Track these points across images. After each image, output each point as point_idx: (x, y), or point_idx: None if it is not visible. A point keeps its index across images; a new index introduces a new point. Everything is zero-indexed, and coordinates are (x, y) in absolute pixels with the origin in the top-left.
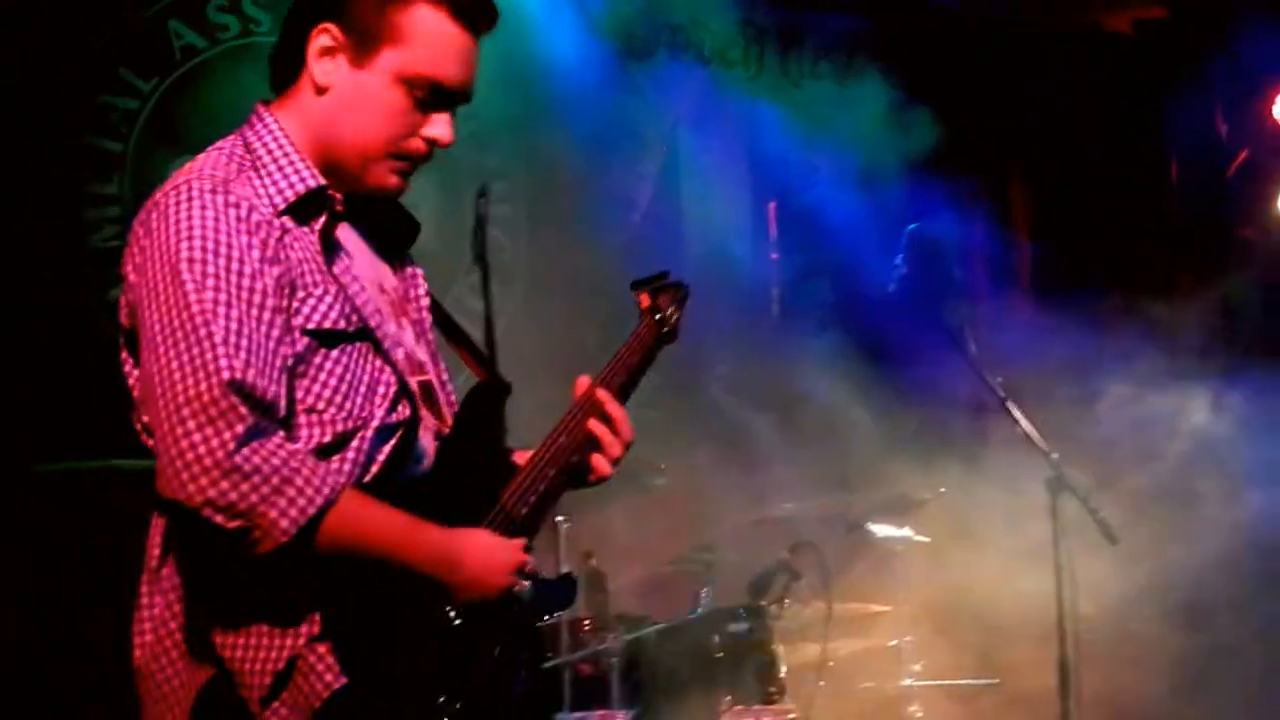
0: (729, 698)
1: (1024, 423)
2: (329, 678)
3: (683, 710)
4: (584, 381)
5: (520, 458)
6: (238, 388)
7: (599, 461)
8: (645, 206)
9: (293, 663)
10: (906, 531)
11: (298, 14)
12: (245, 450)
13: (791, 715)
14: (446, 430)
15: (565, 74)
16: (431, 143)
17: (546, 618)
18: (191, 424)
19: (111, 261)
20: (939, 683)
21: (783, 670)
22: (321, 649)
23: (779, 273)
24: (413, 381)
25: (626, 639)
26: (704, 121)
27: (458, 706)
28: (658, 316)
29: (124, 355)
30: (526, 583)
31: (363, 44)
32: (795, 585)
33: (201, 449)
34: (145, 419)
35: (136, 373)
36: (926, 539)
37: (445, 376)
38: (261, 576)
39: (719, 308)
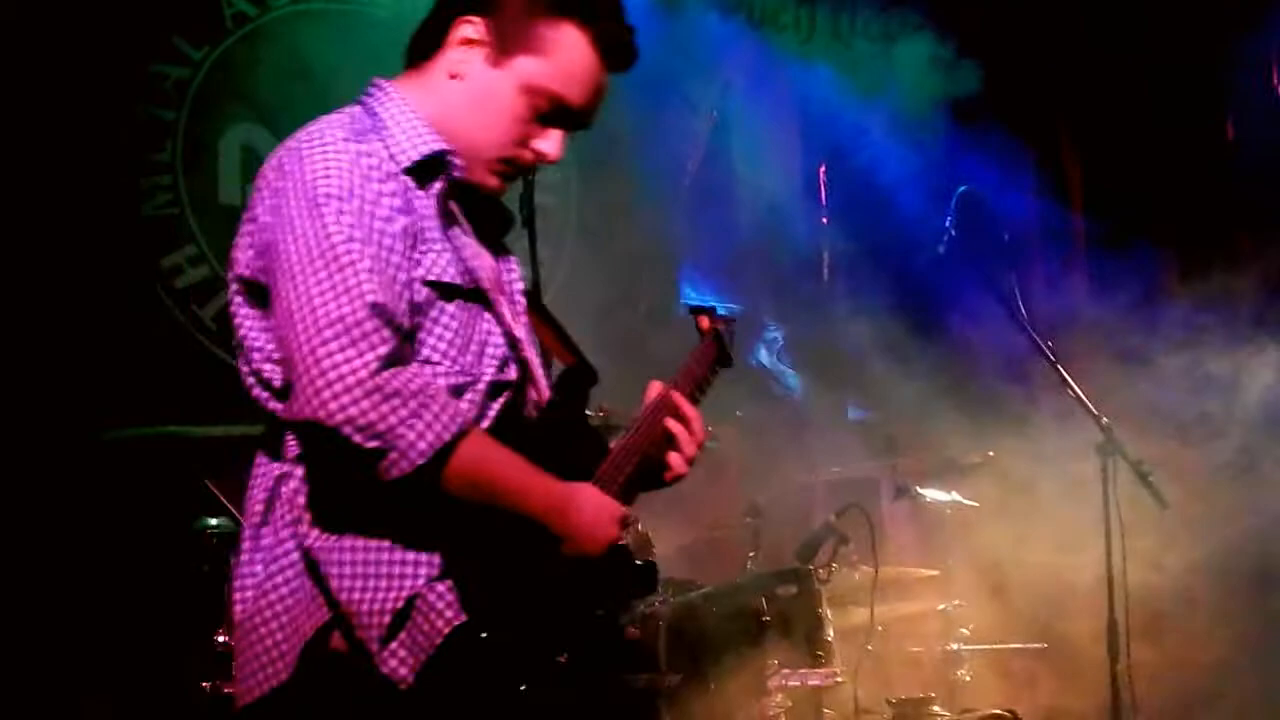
0: (775, 661)
1: (1075, 387)
2: (449, 614)
3: (729, 674)
4: (656, 385)
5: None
6: (381, 310)
7: (676, 459)
8: (696, 170)
9: (412, 601)
10: (955, 495)
11: (447, 2)
12: (387, 373)
13: (839, 678)
14: (543, 406)
15: None
16: (539, 156)
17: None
18: (335, 345)
19: (165, 229)
20: (987, 647)
21: (830, 634)
22: (441, 588)
23: (830, 235)
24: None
25: (674, 603)
26: (755, 84)
27: (567, 659)
28: (719, 337)
29: (236, 305)
30: (628, 537)
31: (504, 45)
32: (843, 549)
33: (345, 368)
34: (259, 367)
35: (251, 320)
36: (975, 503)
37: (539, 362)
38: (382, 514)
39: (769, 271)
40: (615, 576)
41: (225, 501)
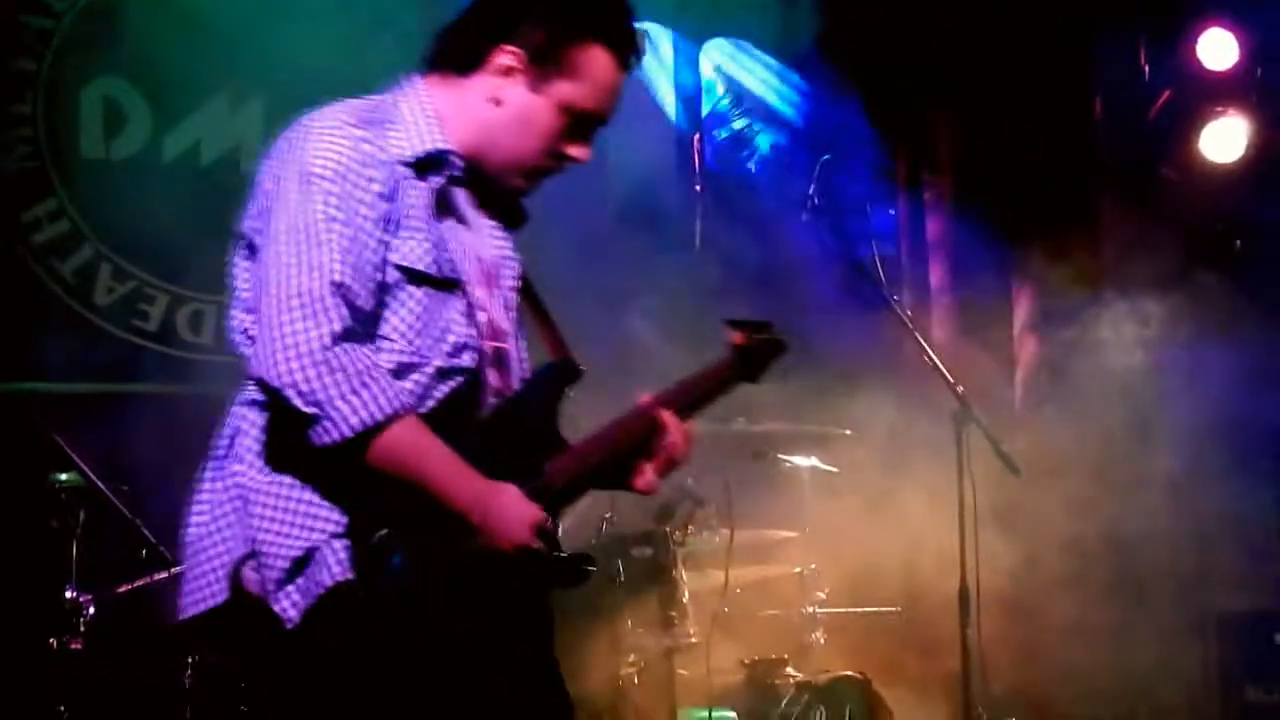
0: (630, 622)
1: (932, 355)
2: (336, 570)
3: (584, 635)
4: (646, 397)
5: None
6: (343, 290)
7: (647, 470)
8: None
9: (310, 553)
10: (813, 460)
11: (481, 23)
12: (337, 348)
13: (692, 639)
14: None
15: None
16: (573, 159)
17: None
18: (297, 314)
19: (25, 183)
20: (842, 610)
21: (685, 596)
22: (337, 545)
23: (702, 204)
24: (487, 345)
25: None
26: None
27: (460, 634)
28: (746, 356)
29: (238, 257)
30: (541, 543)
31: (541, 71)
32: (699, 512)
33: (300, 337)
34: (242, 315)
35: (245, 273)
36: (833, 468)
37: (524, 356)
38: (309, 470)
39: (642, 238)
40: (533, 570)
41: (75, 458)
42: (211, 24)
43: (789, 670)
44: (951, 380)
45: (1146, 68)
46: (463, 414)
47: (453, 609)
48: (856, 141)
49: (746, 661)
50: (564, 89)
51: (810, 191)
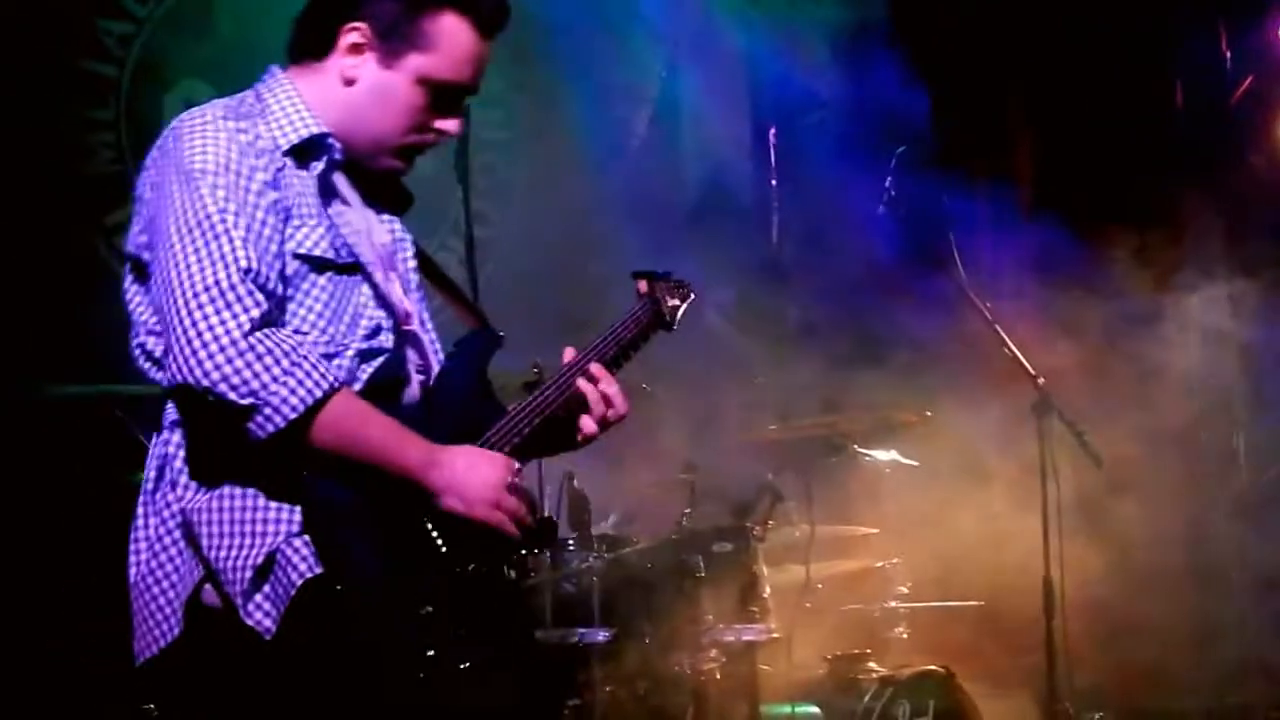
0: (710, 617)
1: (1012, 346)
2: (303, 567)
3: (664, 630)
4: (569, 351)
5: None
6: (253, 275)
7: (585, 421)
8: (644, 132)
9: (272, 557)
10: (893, 454)
11: (328, 5)
12: (260, 334)
13: (774, 634)
14: (433, 375)
15: None
16: (442, 134)
17: (523, 552)
18: (210, 308)
19: (108, 186)
20: (924, 605)
21: (766, 591)
22: (298, 543)
23: (779, 198)
24: (401, 326)
25: (608, 558)
26: (703, 45)
27: (432, 612)
28: (655, 302)
29: (127, 283)
30: (512, 499)
31: (391, 46)
32: (780, 507)
33: (219, 329)
34: (143, 338)
35: (138, 296)
36: (914, 462)
37: (433, 335)
38: (247, 475)
39: (717, 233)
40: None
41: None
42: (287, 26)
43: (871, 665)
44: (1032, 371)
45: (1228, 54)
46: (392, 395)
47: (424, 587)
48: (933, 133)
49: (828, 656)
50: (417, 61)
51: (887, 183)
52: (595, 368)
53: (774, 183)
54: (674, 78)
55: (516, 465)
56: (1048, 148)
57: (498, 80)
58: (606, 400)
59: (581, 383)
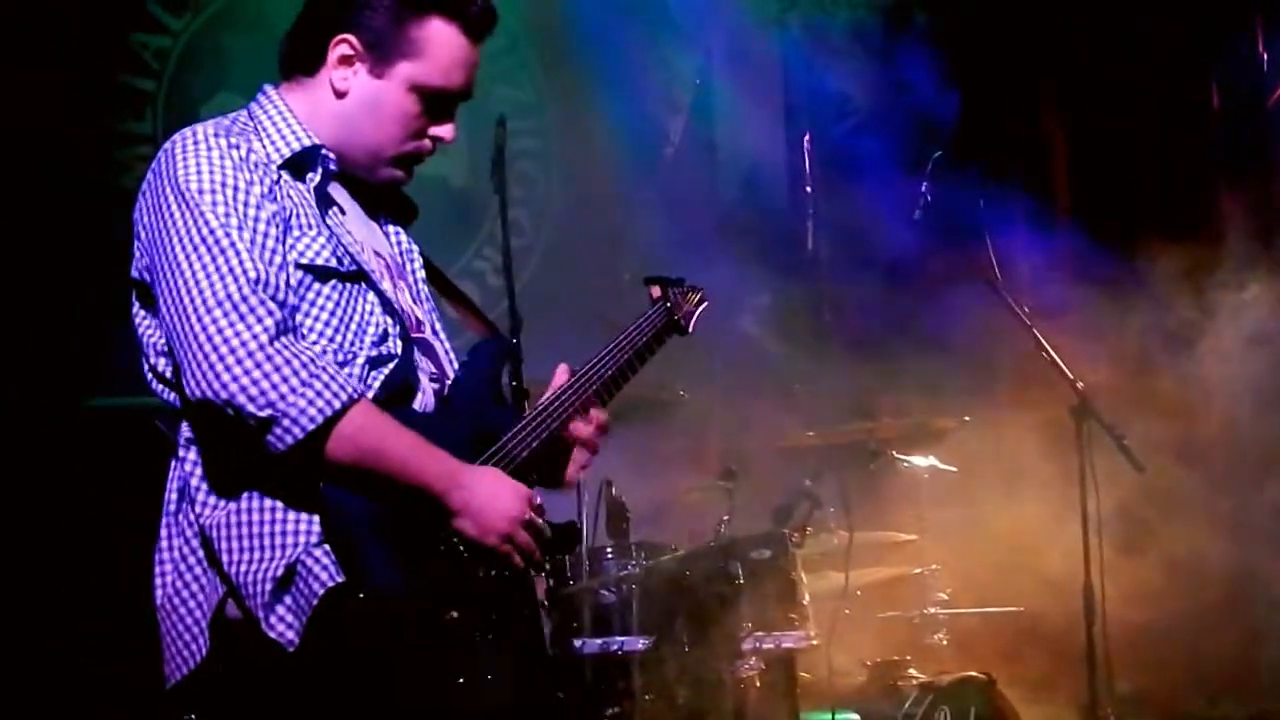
0: (749, 624)
1: (1050, 351)
2: (324, 577)
3: (703, 637)
4: (564, 369)
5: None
6: (264, 285)
7: (572, 465)
8: (679, 139)
9: (293, 569)
10: (931, 460)
11: (316, 20)
12: (277, 343)
13: (813, 641)
14: (447, 383)
15: (595, 3)
16: (437, 140)
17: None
18: (224, 321)
19: None
20: (963, 611)
21: (805, 597)
22: (318, 553)
23: (814, 203)
24: (411, 334)
25: (647, 565)
26: (738, 53)
27: (456, 618)
28: (669, 306)
29: (135, 308)
30: (526, 534)
31: (381, 56)
32: (818, 513)
33: (234, 341)
34: (154, 360)
35: (147, 319)
36: (952, 468)
37: (448, 345)
38: (265, 487)
39: (753, 239)
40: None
41: None
42: None
43: (911, 671)
44: (1071, 376)
45: (1264, 56)
46: (403, 401)
47: (446, 593)
48: (967, 137)
49: (868, 663)
50: (407, 69)
51: (923, 189)
52: (595, 414)
53: (809, 189)
54: (708, 84)
55: (538, 499)
56: (1083, 151)
57: (531, 90)
58: (592, 447)
59: (578, 425)
